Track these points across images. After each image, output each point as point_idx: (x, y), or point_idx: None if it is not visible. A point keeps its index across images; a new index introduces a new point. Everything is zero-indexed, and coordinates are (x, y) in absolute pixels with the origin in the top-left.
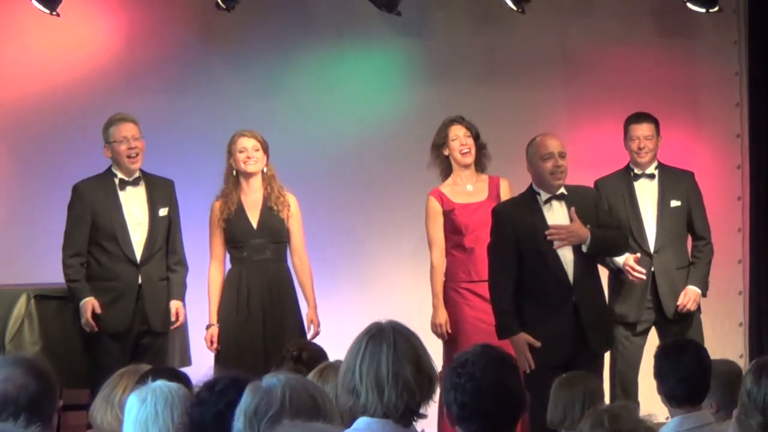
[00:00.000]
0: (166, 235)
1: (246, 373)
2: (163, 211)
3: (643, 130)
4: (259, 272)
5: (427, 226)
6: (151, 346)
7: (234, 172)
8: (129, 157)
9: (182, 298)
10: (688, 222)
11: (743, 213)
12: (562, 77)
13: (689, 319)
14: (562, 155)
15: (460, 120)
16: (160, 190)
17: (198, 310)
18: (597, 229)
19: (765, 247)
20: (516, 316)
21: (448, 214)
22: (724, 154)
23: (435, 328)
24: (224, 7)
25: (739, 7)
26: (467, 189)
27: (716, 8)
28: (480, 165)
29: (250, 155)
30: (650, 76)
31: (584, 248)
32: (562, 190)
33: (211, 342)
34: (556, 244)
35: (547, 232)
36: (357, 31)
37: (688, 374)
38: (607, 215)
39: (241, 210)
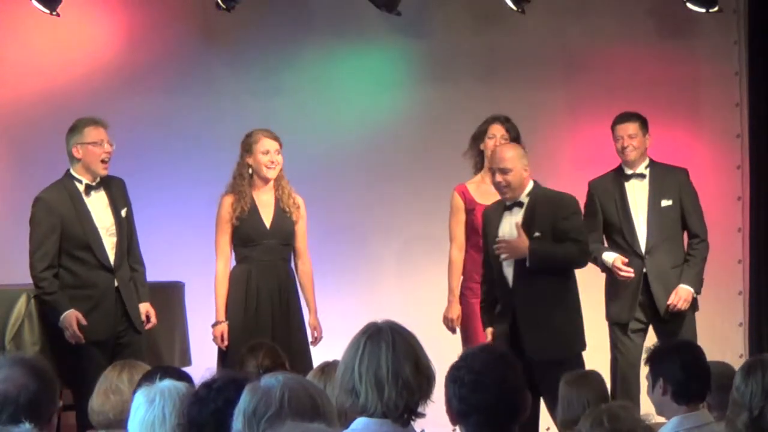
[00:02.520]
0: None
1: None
2: (124, 212)
3: (625, 129)
4: (269, 273)
5: (449, 220)
6: (131, 343)
7: (249, 170)
8: (103, 161)
9: (148, 299)
10: (682, 220)
11: (743, 213)
12: (562, 77)
13: (682, 318)
14: (501, 170)
15: (503, 120)
16: (116, 191)
17: (198, 310)
18: (540, 245)
19: (765, 247)
20: (487, 311)
21: (470, 213)
22: (724, 154)
23: (446, 322)
24: (224, 7)
25: (739, 7)
26: (492, 189)
27: (716, 8)
28: None
29: (273, 159)
30: (650, 76)
31: (527, 263)
32: (523, 198)
33: (222, 338)
34: (502, 256)
35: (494, 246)
36: (357, 31)
37: (689, 373)
38: (567, 227)
39: (254, 209)
